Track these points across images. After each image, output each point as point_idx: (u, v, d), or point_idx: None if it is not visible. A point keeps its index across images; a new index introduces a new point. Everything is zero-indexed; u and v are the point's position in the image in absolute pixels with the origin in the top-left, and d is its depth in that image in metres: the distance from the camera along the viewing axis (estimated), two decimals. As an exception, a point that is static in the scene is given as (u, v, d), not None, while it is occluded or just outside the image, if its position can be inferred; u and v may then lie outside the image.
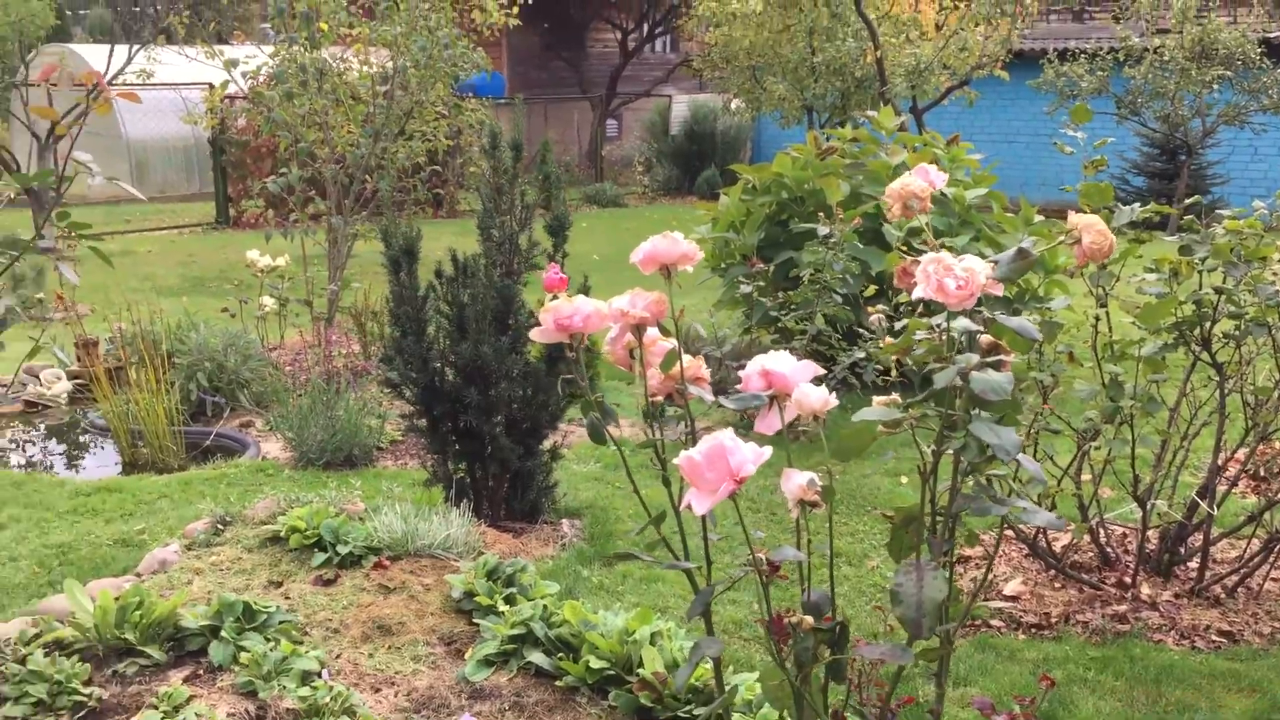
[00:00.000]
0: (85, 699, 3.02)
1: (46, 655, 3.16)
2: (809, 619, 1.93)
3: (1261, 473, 4.69)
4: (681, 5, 16.74)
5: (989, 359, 1.67)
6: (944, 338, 1.75)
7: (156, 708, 2.97)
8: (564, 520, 4.64)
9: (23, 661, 3.15)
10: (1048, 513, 1.78)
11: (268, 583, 3.76)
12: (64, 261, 3.26)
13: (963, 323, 1.68)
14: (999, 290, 1.70)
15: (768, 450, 1.79)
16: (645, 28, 23.21)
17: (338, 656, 3.31)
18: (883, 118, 7.10)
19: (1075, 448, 3.81)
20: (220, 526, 4.21)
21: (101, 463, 5.89)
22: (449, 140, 10.21)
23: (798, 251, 6.50)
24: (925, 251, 1.77)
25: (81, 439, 6.31)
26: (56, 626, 3.34)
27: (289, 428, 5.50)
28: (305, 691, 2.98)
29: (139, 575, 3.90)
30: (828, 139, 6.90)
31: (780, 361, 1.88)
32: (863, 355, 5.14)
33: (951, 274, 1.61)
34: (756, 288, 5.96)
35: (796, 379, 1.87)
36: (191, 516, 4.58)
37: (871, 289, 4.51)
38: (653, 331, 1.93)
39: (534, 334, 1.83)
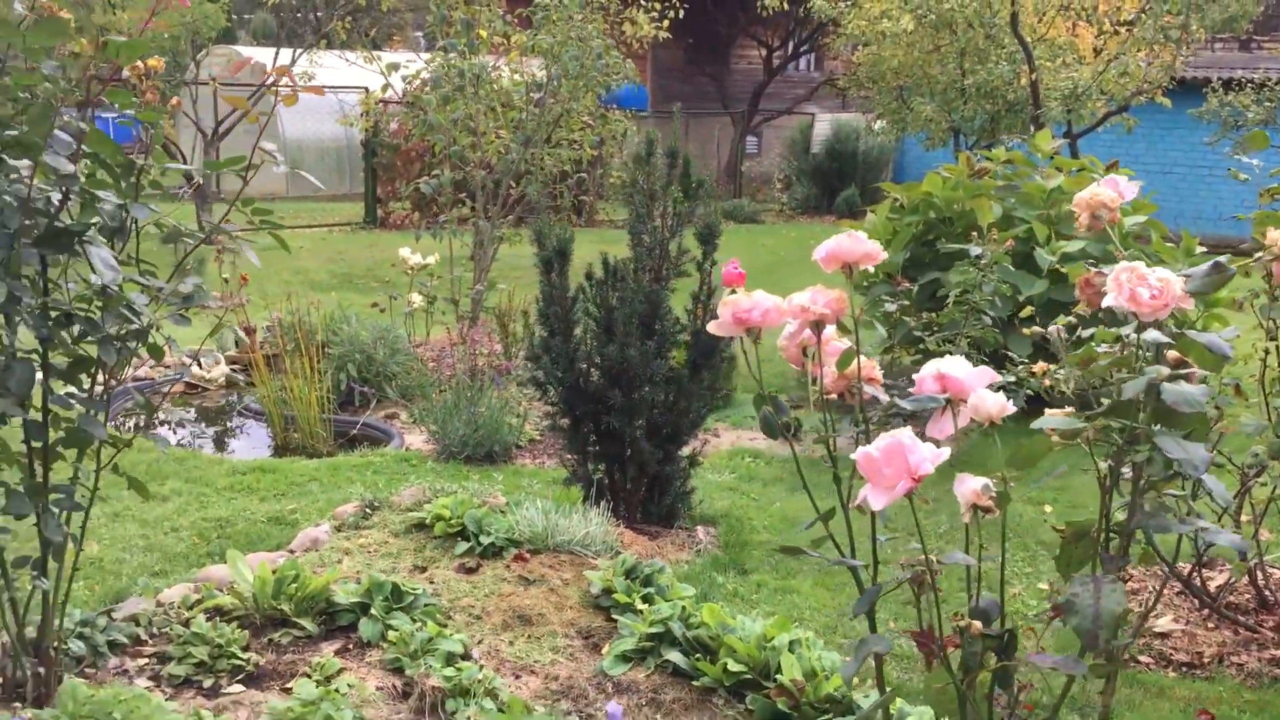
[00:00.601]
0: (243, 663, 3.15)
1: (208, 620, 3.31)
2: (977, 624, 1.91)
3: None
4: (829, 24, 16.68)
5: (1179, 372, 1.63)
6: (1130, 350, 1.71)
7: (310, 676, 3.09)
8: (699, 527, 4.66)
9: (186, 624, 3.30)
10: (1231, 534, 1.73)
11: (413, 567, 3.86)
12: (226, 251, 3.42)
13: (1154, 334, 1.65)
14: (1190, 304, 1.66)
15: (945, 450, 1.78)
16: (790, 45, 23.17)
17: (479, 642, 3.39)
18: (1039, 141, 6.95)
19: (1238, 484, 3.67)
20: (368, 511, 4.34)
21: (254, 444, 6.14)
22: (593, 150, 10.38)
23: (943, 272, 6.41)
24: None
25: (237, 421, 6.59)
26: (216, 594, 3.50)
27: (433, 421, 5.64)
28: (450, 671, 3.05)
29: (292, 551, 4.05)
30: (979, 160, 6.79)
31: (956, 366, 1.87)
32: (1014, 379, 5.04)
33: (1145, 283, 1.58)
34: (901, 307, 5.89)
35: (973, 384, 1.85)
36: (340, 500, 4.74)
37: (1027, 310, 4.42)
38: (828, 330, 1.93)
39: (711, 326, 1.84)
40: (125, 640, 3.24)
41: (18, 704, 2.84)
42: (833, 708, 2.95)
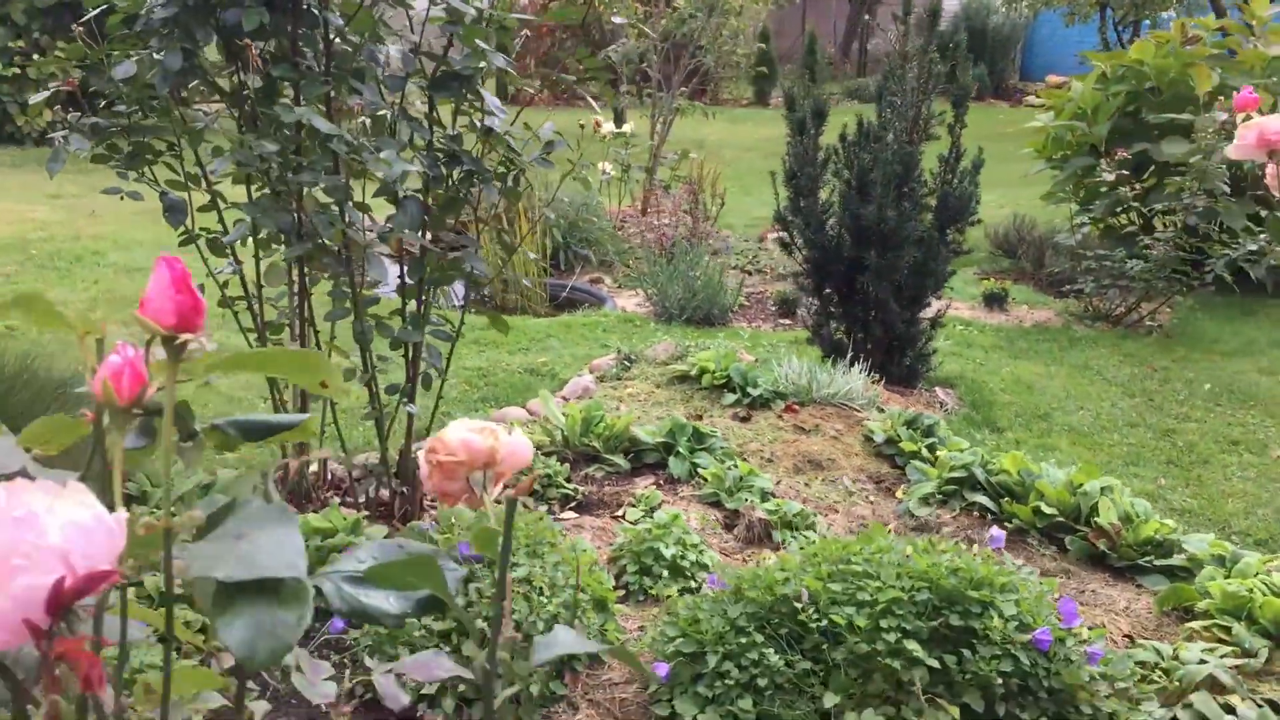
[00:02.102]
0: (570, 492, 3.36)
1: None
2: None
3: None
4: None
5: None
6: None
7: (635, 505, 3.28)
8: (937, 388, 4.76)
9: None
10: None
11: (688, 414, 4.02)
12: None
13: None
14: None
15: None
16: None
17: (777, 483, 3.55)
18: (1255, 7, 6.71)
19: None
20: (627, 363, 4.51)
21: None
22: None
23: (1152, 144, 6.30)
24: None
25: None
26: (526, 432, 3.70)
27: (651, 284, 5.78)
28: (771, 505, 3.22)
29: (565, 399, 4.24)
30: (1193, 28, 6.60)
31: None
32: (1254, 248, 5.01)
33: None
34: (1120, 176, 5.84)
35: None
36: (583, 355, 4.92)
37: None
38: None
39: (1230, 150, 1.87)
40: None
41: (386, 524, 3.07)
42: (1153, 550, 3.06)
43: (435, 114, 2.80)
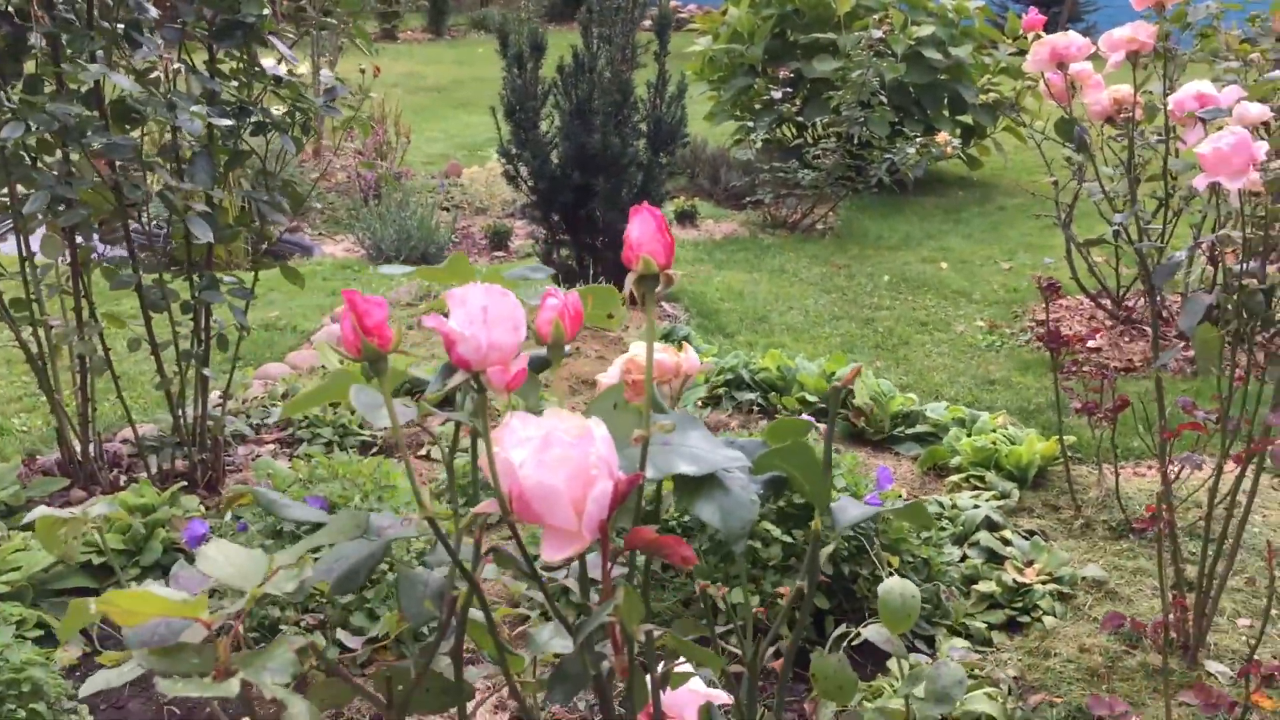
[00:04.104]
0: (369, 439, 3.37)
1: (313, 406, 3.47)
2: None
3: None
4: None
5: None
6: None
7: (436, 443, 3.34)
8: (664, 304, 5.07)
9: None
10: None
11: (450, 351, 4.10)
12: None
13: None
14: None
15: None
16: None
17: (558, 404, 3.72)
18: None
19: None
20: (371, 307, 4.49)
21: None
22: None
23: (801, 63, 6.90)
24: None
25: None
26: (301, 384, 3.64)
27: (363, 229, 5.71)
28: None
29: (316, 350, 4.17)
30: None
31: (1205, 85, 2.14)
32: (913, 150, 5.67)
33: None
34: (785, 94, 6.37)
35: (1226, 102, 2.10)
36: (313, 305, 4.83)
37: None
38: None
39: (1026, 65, 2.17)
40: (247, 430, 3.38)
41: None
42: (903, 421, 3.52)
43: (216, 64, 2.69)
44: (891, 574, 2.38)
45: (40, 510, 1.02)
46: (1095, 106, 2.12)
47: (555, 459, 0.79)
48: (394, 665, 0.86)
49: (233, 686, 0.66)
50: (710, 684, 1.07)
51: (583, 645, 0.85)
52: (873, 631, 1.60)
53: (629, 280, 0.91)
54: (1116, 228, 2.22)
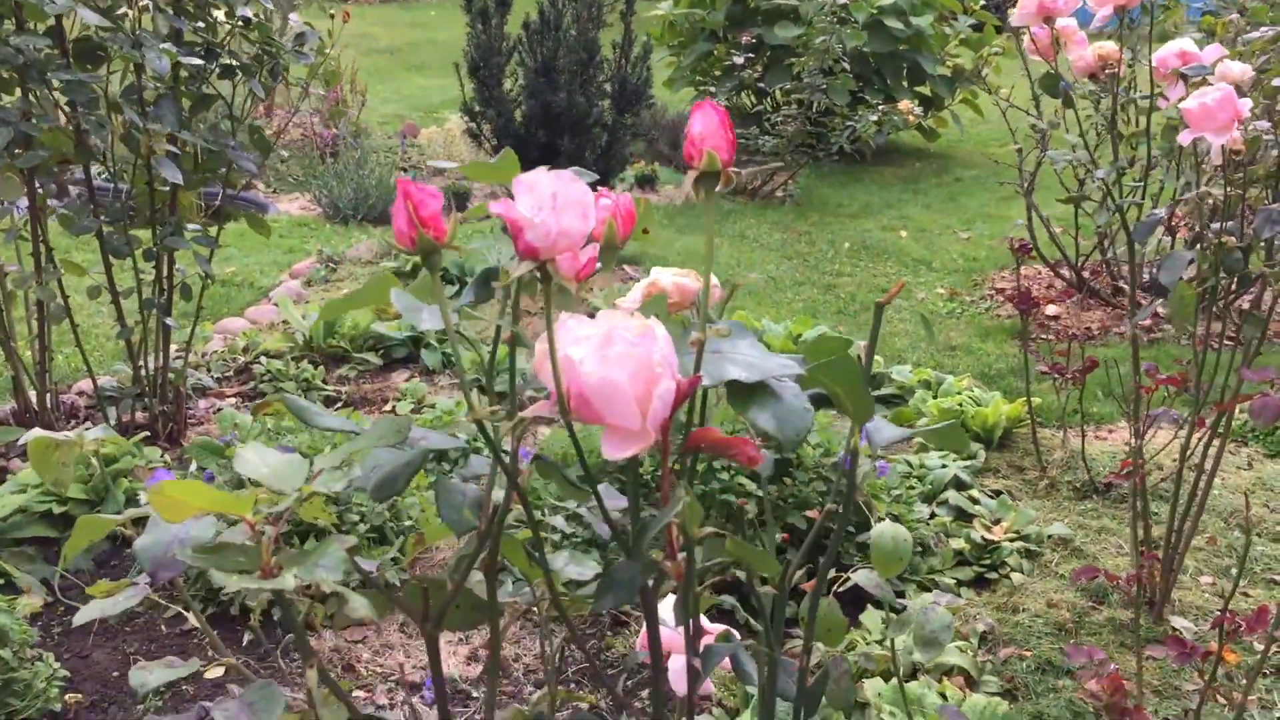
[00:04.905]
0: (334, 394, 3.32)
1: (275, 359, 3.41)
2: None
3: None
4: None
5: None
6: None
7: (402, 399, 3.31)
8: (625, 265, 5.04)
9: (247, 368, 3.39)
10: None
11: (413, 309, 4.05)
12: None
13: None
14: None
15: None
16: None
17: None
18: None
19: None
20: (332, 265, 4.42)
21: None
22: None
23: (762, 29, 6.88)
24: None
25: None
26: (261, 339, 3.58)
27: (321, 186, 5.61)
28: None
29: (275, 305, 4.11)
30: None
31: (1187, 43, 2.16)
32: (875, 119, 5.68)
33: None
34: (747, 59, 6.34)
35: (1209, 58, 2.13)
36: (270, 261, 4.75)
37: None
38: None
39: (1014, 18, 2.17)
40: (209, 383, 3.31)
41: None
42: (870, 383, 3.52)
43: (183, 4, 2.62)
44: (882, 520, 2.39)
45: (35, 432, 0.98)
46: (1079, 62, 2.13)
47: (618, 355, 0.77)
48: (429, 577, 0.84)
49: (287, 580, 0.65)
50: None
51: (637, 549, 0.84)
52: (862, 576, 1.59)
53: (687, 179, 0.89)
54: (1099, 183, 2.23)
